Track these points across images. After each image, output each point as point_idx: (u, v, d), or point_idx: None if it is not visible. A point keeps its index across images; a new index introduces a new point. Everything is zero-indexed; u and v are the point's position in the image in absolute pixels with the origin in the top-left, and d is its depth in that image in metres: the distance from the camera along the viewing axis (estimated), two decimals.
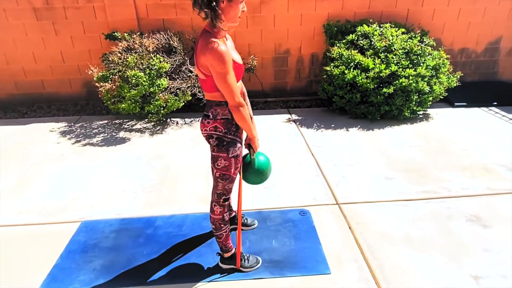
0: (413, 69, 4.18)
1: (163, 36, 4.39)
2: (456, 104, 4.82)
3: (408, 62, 4.23)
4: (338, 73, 4.26)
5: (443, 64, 4.39)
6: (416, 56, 4.29)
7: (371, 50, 4.36)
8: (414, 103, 4.25)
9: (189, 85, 4.17)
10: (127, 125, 4.38)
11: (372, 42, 4.41)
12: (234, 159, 1.85)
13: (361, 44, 4.48)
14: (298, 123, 4.38)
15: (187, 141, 3.92)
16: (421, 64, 4.26)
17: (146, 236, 2.46)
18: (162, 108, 4.11)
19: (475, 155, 3.45)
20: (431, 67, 4.29)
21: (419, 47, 4.33)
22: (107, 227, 2.56)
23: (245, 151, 2.00)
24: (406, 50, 4.33)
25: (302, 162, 3.41)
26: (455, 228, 2.45)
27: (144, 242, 2.40)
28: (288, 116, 4.63)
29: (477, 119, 4.38)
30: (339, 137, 3.95)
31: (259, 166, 2.01)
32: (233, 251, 2.11)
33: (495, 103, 4.82)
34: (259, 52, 4.98)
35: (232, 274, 2.10)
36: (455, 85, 4.44)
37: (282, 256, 2.23)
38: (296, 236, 2.41)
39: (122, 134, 4.13)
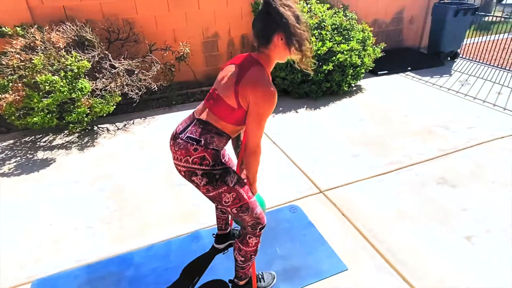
0: (346, 44, 4.30)
1: (70, 28, 3.58)
2: (379, 73, 5.20)
3: (341, 37, 4.33)
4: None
5: (368, 37, 4.63)
6: (346, 31, 4.42)
7: (316, 31, 4.31)
8: (350, 77, 4.41)
9: (118, 84, 3.53)
10: (43, 142, 3.54)
11: (310, 22, 4.37)
12: (238, 185, 1.57)
13: None
14: None
15: (131, 150, 3.37)
16: (351, 39, 4.41)
17: (127, 280, 2.02)
18: (86, 115, 3.41)
19: (415, 120, 3.78)
20: (360, 41, 4.48)
21: (348, 22, 4.46)
22: (71, 281, 2.02)
23: None
24: (335, 26, 4.42)
25: (268, 154, 3.24)
26: (431, 194, 2.63)
27: None
28: None
29: (401, 85, 4.80)
30: (291, 120, 3.88)
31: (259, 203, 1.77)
32: (249, 276, 1.87)
33: (409, 68, 5.37)
34: (186, 38, 4.50)
35: None
36: (380, 55, 4.75)
37: (294, 263, 2.08)
38: (298, 237, 2.27)
39: (40, 154, 3.32)
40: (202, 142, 1.48)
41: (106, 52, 3.71)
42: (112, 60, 3.68)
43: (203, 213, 2.52)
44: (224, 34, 4.77)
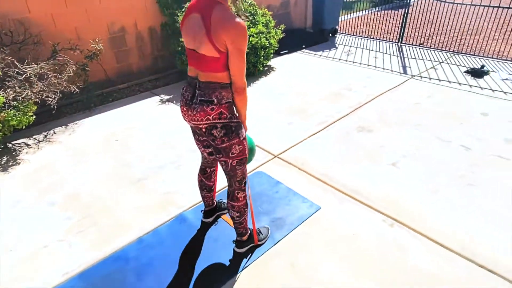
0: (254, 28, 4.71)
1: None
2: (281, 53, 5.81)
3: (249, 22, 4.71)
4: None
5: (269, 20, 5.12)
6: (252, 16, 4.81)
7: None
8: (262, 58, 4.85)
9: (35, 91, 3.17)
10: None
11: None
12: (244, 140, 1.80)
13: None
14: (174, 102, 4.20)
15: (66, 158, 3.12)
16: (257, 23, 4.83)
17: (134, 272, 2.03)
18: None
19: (323, 88, 4.46)
20: (264, 24, 4.94)
21: (252, 7, 4.86)
22: None
23: None
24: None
25: None
26: (356, 140, 3.27)
27: (137, 279, 1.99)
28: (157, 97, 4.34)
29: (302, 61, 5.49)
30: None
31: (251, 143, 2.02)
32: (249, 231, 2.11)
33: (304, 46, 6.13)
34: (91, 35, 4.22)
35: (255, 252, 2.13)
36: (281, 36, 5.30)
37: (277, 215, 2.40)
38: (272, 195, 2.59)
39: None
40: (215, 100, 1.62)
41: (10, 58, 3.26)
42: (19, 65, 3.26)
43: (179, 198, 2.61)
44: (131, 28, 4.62)
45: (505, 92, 4.11)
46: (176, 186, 2.74)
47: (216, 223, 2.37)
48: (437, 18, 6.65)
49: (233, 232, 2.23)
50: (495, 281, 1.90)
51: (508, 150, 3.00)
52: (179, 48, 4.45)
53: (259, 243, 2.16)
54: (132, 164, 3.02)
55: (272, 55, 5.06)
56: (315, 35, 6.64)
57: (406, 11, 5.91)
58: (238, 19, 1.47)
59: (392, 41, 6.27)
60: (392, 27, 7.11)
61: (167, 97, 4.34)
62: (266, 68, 5.15)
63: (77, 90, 3.57)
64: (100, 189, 2.72)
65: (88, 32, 4.22)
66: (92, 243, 2.24)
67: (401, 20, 6.36)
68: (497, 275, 1.92)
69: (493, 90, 4.17)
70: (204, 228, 2.33)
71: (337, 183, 2.69)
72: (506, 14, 6.14)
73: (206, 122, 1.66)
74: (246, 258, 2.10)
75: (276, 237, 2.22)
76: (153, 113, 3.95)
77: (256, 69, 4.84)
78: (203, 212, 2.36)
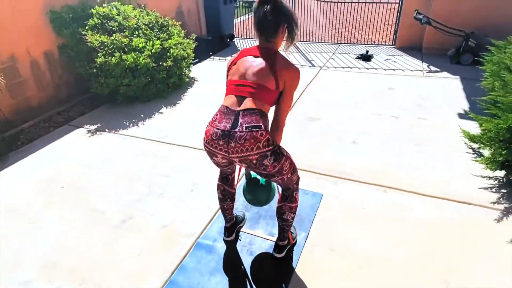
0: (171, 39, 4.52)
1: None
2: (193, 62, 5.71)
3: (165, 34, 4.49)
4: (115, 61, 3.85)
5: (180, 31, 4.99)
6: (165, 28, 4.60)
7: (127, 31, 4.17)
8: (183, 68, 4.70)
9: None
10: None
11: (121, 23, 4.20)
12: (287, 153, 1.78)
13: (110, 27, 4.14)
14: (106, 130, 3.70)
15: (9, 224, 2.43)
16: (172, 34, 4.65)
17: None
18: None
19: None
20: (178, 35, 4.79)
21: (163, 19, 4.64)
22: None
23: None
24: (152, 24, 4.51)
25: (178, 155, 3.21)
26: (309, 128, 3.55)
27: None
28: (81, 129, 3.73)
29: (217, 68, 5.55)
30: (160, 121, 3.85)
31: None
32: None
33: (211, 53, 6.18)
34: None
35: (294, 252, 2.13)
36: (194, 45, 5.23)
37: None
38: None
39: None
40: (263, 126, 1.58)
41: None
42: None
43: (183, 226, 2.37)
44: (22, 56, 3.83)
45: (393, 69, 5.08)
46: (171, 215, 2.48)
47: (240, 238, 2.26)
48: (316, 15, 7.64)
49: (262, 240, 2.20)
50: (466, 208, 2.41)
51: (423, 112, 3.76)
52: (94, 70, 3.92)
53: (293, 242, 2.18)
54: (103, 208, 2.57)
55: (192, 65, 4.95)
56: (216, 42, 6.75)
57: None
58: (293, 64, 1.68)
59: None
60: None
61: (94, 126, 3.78)
62: (188, 79, 5.00)
63: None
64: (80, 247, 2.24)
65: None
66: None
67: None
68: (467, 204, 2.45)
69: (384, 69, 5.10)
70: (231, 246, 2.20)
71: (320, 169, 2.89)
72: (377, 8, 7.51)
73: (257, 151, 1.57)
74: (291, 260, 2.09)
75: (303, 231, 2.28)
76: (86, 146, 3.40)
77: (182, 80, 4.66)
78: (225, 229, 2.22)
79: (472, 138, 2.90)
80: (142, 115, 3.98)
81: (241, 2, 7.77)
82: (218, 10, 6.39)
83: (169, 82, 4.42)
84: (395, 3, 6.12)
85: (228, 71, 1.77)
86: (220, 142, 1.59)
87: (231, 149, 1.57)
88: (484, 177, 2.70)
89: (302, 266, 2.04)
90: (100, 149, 3.35)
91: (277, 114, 1.71)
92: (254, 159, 1.59)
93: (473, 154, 3.01)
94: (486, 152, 2.88)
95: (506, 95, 2.59)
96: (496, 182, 2.63)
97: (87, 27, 4.03)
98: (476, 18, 5.06)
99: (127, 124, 3.81)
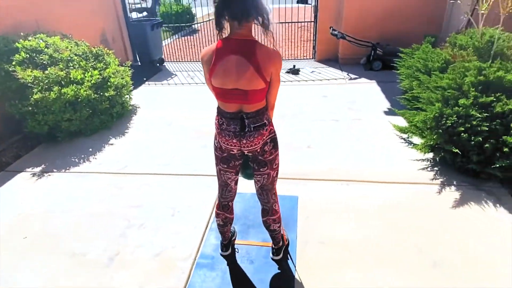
0: (109, 67, 4.39)
1: None
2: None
3: (102, 63, 4.34)
4: (54, 96, 3.61)
5: (113, 59, 4.85)
6: (101, 57, 4.45)
7: (60, 64, 3.93)
8: (124, 96, 4.58)
9: None
10: None
11: (52, 55, 3.95)
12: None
13: (40, 61, 3.86)
14: (60, 169, 3.42)
15: None
16: (108, 63, 4.51)
17: None
18: None
19: (202, 109, 4.74)
20: (113, 63, 4.65)
21: (97, 49, 4.47)
22: None
23: None
24: (86, 55, 4.33)
25: (145, 186, 3.15)
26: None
27: None
28: (24, 174, 3.38)
29: (156, 92, 5.50)
30: (113, 151, 3.71)
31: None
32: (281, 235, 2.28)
33: (145, 79, 6.08)
34: None
35: (289, 252, 2.32)
36: (130, 72, 5.10)
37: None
38: (252, 205, 2.77)
39: None
40: (266, 122, 1.77)
41: None
42: None
43: (176, 251, 2.37)
44: None
45: (320, 80, 5.70)
46: (160, 243, 2.45)
47: (237, 250, 2.36)
48: None
49: (258, 247, 2.35)
50: (413, 187, 2.92)
51: (356, 114, 4.34)
52: (29, 108, 3.60)
53: (287, 242, 2.37)
54: (83, 250, 2.41)
55: (132, 92, 4.84)
56: (146, 68, 6.66)
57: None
58: (274, 48, 1.66)
59: None
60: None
61: (39, 168, 3.46)
62: (131, 107, 4.86)
63: None
64: None
65: None
66: None
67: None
68: (413, 183, 2.96)
69: (313, 80, 5.69)
70: (231, 259, 2.29)
71: (288, 175, 3.14)
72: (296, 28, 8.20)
73: (261, 142, 1.80)
74: (289, 259, 2.27)
75: (292, 232, 2.49)
76: (36, 190, 3.10)
77: (125, 109, 4.53)
78: (223, 245, 2.30)
79: (402, 130, 3.49)
80: (90, 150, 3.77)
81: (163, 26, 7.80)
82: (146, 36, 6.34)
83: (113, 112, 4.26)
84: (311, 21, 6.87)
85: (210, 72, 1.66)
86: (234, 141, 1.77)
87: (243, 145, 1.77)
88: (419, 160, 3.27)
89: (301, 262, 2.24)
90: (55, 191, 3.10)
91: (269, 95, 1.76)
92: (257, 148, 1.81)
93: (405, 143, 3.60)
94: (415, 140, 3.49)
95: (424, 91, 3.22)
96: (428, 163, 3.21)
97: (13, 63, 3.69)
98: (377, 30, 6.01)
99: (77, 161, 3.57)
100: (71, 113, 3.78)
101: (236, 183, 2.05)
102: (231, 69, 1.61)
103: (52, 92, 3.59)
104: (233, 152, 1.85)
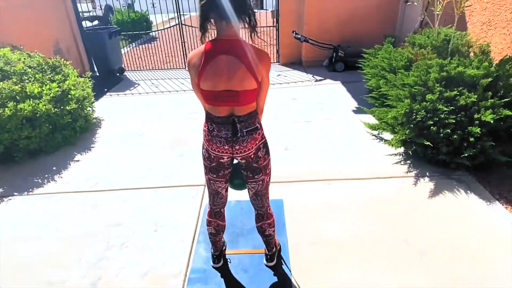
0: (68, 79, 4.12)
1: None
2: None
3: (60, 75, 4.06)
4: (9, 112, 3.31)
5: (72, 71, 4.56)
6: (58, 68, 4.16)
7: (14, 77, 3.62)
8: (87, 109, 4.32)
9: None
10: None
11: (3, 69, 3.63)
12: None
13: None
14: (21, 192, 3.12)
15: None
16: (67, 75, 4.23)
17: None
18: None
19: (174, 118, 4.59)
20: (72, 74, 4.37)
21: (54, 60, 4.18)
22: None
23: None
24: (41, 67, 4.03)
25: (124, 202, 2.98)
26: None
27: None
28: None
29: (120, 103, 5.25)
30: (85, 169, 3.48)
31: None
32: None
33: (106, 90, 5.78)
34: None
35: (283, 256, 2.29)
36: (91, 83, 4.82)
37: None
38: (238, 212, 2.71)
39: None
40: (258, 126, 1.74)
41: None
42: None
43: (164, 269, 2.25)
44: None
45: (287, 83, 5.78)
46: (146, 261, 2.31)
47: (229, 260, 2.29)
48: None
49: (250, 255, 2.30)
50: (390, 181, 3.04)
51: (326, 114, 4.44)
52: None
53: (279, 247, 2.34)
54: (60, 278, 2.20)
55: (94, 105, 4.57)
56: (106, 78, 6.35)
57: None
58: (262, 49, 1.66)
59: (179, 68, 7.01)
60: (166, 56, 7.83)
61: (13, 195, 3.14)
62: (95, 119, 4.58)
63: None
64: None
65: None
66: None
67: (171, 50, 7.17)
68: (390, 177, 3.08)
69: (280, 83, 5.75)
70: (224, 270, 2.22)
71: (278, 178, 3.13)
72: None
73: (255, 147, 1.75)
74: (283, 264, 2.25)
75: (282, 236, 2.46)
76: (8, 216, 2.81)
77: (88, 122, 4.26)
78: (215, 257, 2.22)
79: (372, 127, 3.62)
80: (54, 168, 3.49)
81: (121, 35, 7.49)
82: (104, 45, 6.04)
83: (76, 126, 4.00)
84: (273, 26, 6.95)
85: (199, 76, 1.58)
86: (225, 147, 1.70)
87: (236, 151, 1.72)
88: (391, 155, 3.41)
89: (295, 266, 2.22)
90: (19, 216, 2.82)
91: (259, 98, 1.72)
92: (251, 154, 1.76)
93: (376, 139, 3.74)
94: (386, 136, 3.64)
95: (392, 89, 3.37)
96: (401, 157, 3.36)
97: None
98: (338, 33, 6.22)
99: (40, 181, 3.29)
100: (29, 130, 3.48)
101: (226, 190, 2.00)
102: (222, 69, 1.56)
103: (6, 109, 3.29)
104: (222, 160, 1.79)
